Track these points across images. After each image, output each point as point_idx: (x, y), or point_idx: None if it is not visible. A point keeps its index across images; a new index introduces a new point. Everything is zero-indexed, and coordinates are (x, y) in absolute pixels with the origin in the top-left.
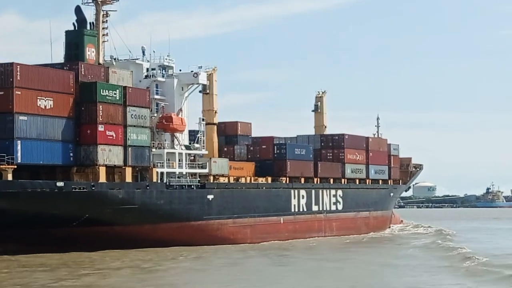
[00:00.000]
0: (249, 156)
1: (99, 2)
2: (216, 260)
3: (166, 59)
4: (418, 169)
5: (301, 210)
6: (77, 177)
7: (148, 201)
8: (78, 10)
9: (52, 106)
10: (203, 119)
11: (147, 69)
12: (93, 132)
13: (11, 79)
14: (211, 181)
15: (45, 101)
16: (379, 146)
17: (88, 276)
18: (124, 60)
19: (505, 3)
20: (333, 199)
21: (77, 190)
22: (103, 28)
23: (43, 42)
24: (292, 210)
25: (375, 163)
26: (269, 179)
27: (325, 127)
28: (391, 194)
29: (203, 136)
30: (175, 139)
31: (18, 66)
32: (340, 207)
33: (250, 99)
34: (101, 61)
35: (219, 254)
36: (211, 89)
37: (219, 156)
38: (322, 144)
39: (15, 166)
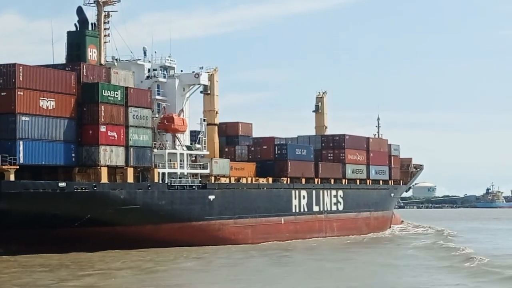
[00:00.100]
0: (250, 157)
1: (101, 3)
2: (217, 261)
3: (168, 59)
4: (418, 169)
5: (302, 210)
6: (79, 177)
7: (150, 202)
8: (80, 11)
9: (54, 107)
10: (204, 120)
11: (149, 70)
12: (95, 132)
13: (13, 80)
14: (212, 181)
15: (47, 101)
16: (379, 147)
17: (89, 276)
18: (126, 60)
19: (505, 3)
20: (334, 200)
21: (79, 190)
22: (104, 29)
23: (43, 42)
24: (293, 210)
25: (375, 164)
26: (270, 179)
27: (326, 127)
28: (392, 194)
29: (204, 137)
30: (177, 140)
31: (20, 67)
32: (341, 207)
33: (250, 99)
34: (102, 62)
35: (220, 255)
36: (212, 90)
37: (220, 156)
38: (323, 144)
39: (17, 167)
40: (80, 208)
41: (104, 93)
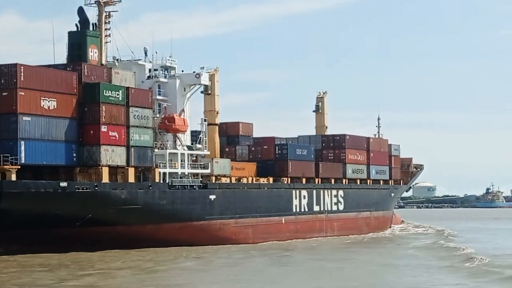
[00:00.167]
0: (251, 157)
1: (102, 3)
2: (217, 260)
3: (168, 59)
4: (418, 169)
5: (302, 210)
6: (80, 177)
7: (151, 201)
8: (80, 11)
9: (55, 107)
10: (205, 120)
11: (150, 70)
12: (96, 132)
13: (14, 80)
14: (213, 181)
15: (49, 101)
16: (380, 147)
17: (89, 276)
18: (127, 61)
19: (505, 3)
20: (334, 199)
21: (80, 190)
22: (105, 29)
23: (43, 42)
24: (294, 210)
25: (376, 164)
26: (271, 179)
27: (326, 127)
28: (392, 194)
29: (205, 137)
30: (177, 140)
31: (22, 67)
32: (341, 207)
33: (250, 99)
34: (103, 62)
35: (220, 254)
36: (212, 90)
37: (221, 156)
38: (323, 144)
39: (19, 167)
40: (81, 208)
41: (105, 93)
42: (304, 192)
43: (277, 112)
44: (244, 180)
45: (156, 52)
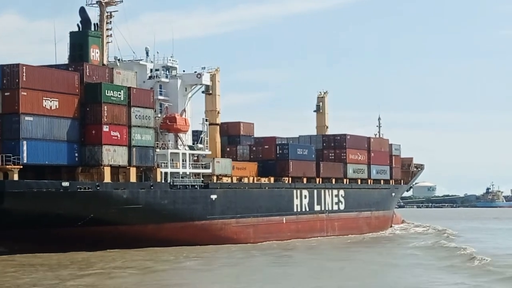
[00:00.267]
0: (252, 156)
1: (103, 4)
2: (218, 260)
3: (170, 59)
4: (419, 169)
5: (303, 210)
6: (82, 177)
7: (152, 201)
8: (82, 11)
9: (57, 107)
10: (206, 120)
11: (151, 70)
12: (98, 132)
13: (17, 80)
14: (214, 181)
15: (51, 101)
16: (380, 146)
17: (89, 276)
18: (128, 61)
19: (505, 3)
20: (335, 199)
21: (82, 190)
22: (107, 29)
23: (43, 42)
24: (295, 210)
25: (376, 163)
26: (272, 179)
27: (327, 127)
28: (393, 194)
29: (206, 137)
30: (179, 140)
31: (24, 67)
32: (342, 207)
33: (250, 99)
34: (105, 62)
35: (221, 254)
36: (214, 90)
37: (222, 156)
38: (324, 144)
39: (21, 166)
40: (83, 207)
41: (107, 93)
42: (305, 192)
43: (277, 112)
44: (245, 180)
45: (158, 52)
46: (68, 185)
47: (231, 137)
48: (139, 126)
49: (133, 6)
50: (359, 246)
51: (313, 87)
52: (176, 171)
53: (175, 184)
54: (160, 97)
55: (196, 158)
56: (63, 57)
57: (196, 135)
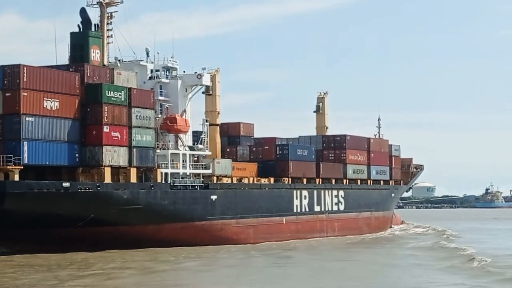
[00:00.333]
0: (252, 157)
1: (104, 4)
2: (218, 261)
3: (170, 60)
4: (419, 169)
5: (303, 210)
6: (82, 177)
7: (153, 202)
8: (83, 12)
9: (58, 107)
10: (206, 120)
11: (151, 71)
12: (98, 133)
13: (17, 81)
14: (215, 181)
15: (51, 102)
16: (380, 147)
17: (89, 276)
18: (129, 61)
19: (505, 3)
20: (335, 200)
21: (82, 190)
22: (107, 30)
23: (43, 42)
24: (295, 210)
25: (376, 164)
26: (272, 179)
27: (327, 127)
28: (392, 194)
29: (207, 137)
30: (179, 140)
31: (25, 68)
32: (342, 207)
33: (250, 99)
34: (105, 63)
35: (221, 254)
36: (214, 90)
37: (222, 156)
38: (324, 145)
39: (22, 167)
40: (84, 208)
41: (108, 93)
42: (305, 193)
43: (277, 112)
44: (245, 181)
45: (158, 53)
46: (68, 185)
47: (231, 137)
48: (139, 127)
49: (133, 7)
50: (359, 246)
51: (313, 87)
52: (177, 171)
53: (175, 184)
54: (160, 98)
55: (196, 158)
56: (63, 57)
57: (196, 135)
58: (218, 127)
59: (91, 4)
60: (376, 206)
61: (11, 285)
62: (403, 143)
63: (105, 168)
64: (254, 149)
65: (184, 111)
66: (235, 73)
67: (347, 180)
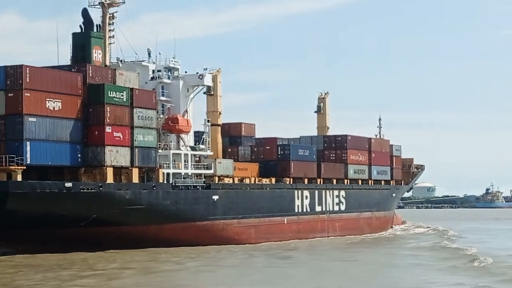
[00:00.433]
0: (253, 157)
1: (106, 5)
2: (220, 260)
3: (172, 60)
4: (419, 169)
5: (304, 210)
6: (84, 177)
7: (155, 202)
8: (85, 12)
9: (60, 108)
10: (208, 120)
11: (153, 71)
12: (100, 133)
13: (20, 81)
14: (216, 181)
15: (54, 102)
16: (381, 147)
17: (90, 276)
18: (130, 62)
19: (505, 3)
20: (336, 200)
21: (85, 190)
22: (109, 30)
23: (43, 42)
24: (296, 210)
25: (377, 164)
26: (273, 179)
27: (328, 128)
28: (393, 194)
29: (208, 137)
30: (181, 140)
31: (28, 68)
32: (343, 207)
33: (250, 99)
34: (107, 63)
35: (223, 254)
36: (215, 91)
37: (223, 157)
38: (325, 145)
39: (25, 167)
40: (86, 208)
41: (110, 94)
42: (306, 193)
43: (277, 112)
44: (247, 181)
45: (160, 53)
46: (71, 185)
47: (233, 137)
48: (141, 127)
49: (134, 7)
50: (360, 246)
51: (313, 87)
52: (178, 171)
53: (177, 184)
54: (162, 98)
55: (198, 158)
56: (63, 57)
57: (198, 136)
58: (219, 127)
59: (93, 5)
60: (377, 206)
61: (12, 286)
62: (404, 143)
63: (107, 168)
64: (255, 149)
65: (186, 111)
66: (235, 73)
67: (348, 180)
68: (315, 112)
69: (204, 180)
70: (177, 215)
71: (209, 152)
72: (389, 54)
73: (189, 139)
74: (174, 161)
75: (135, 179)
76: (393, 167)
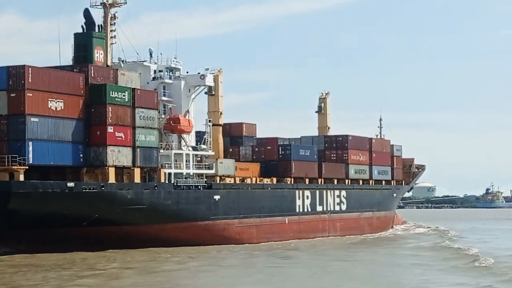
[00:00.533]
0: (254, 157)
1: (107, 5)
2: (220, 260)
3: (173, 61)
4: (420, 169)
5: (305, 210)
6: (86, 177)
7: (156, 202)
8: (86, 13)
9: (62, 108)
10: (209, 121)
11: (155, 71)
12: (102, 133)
13: (22, 81)
14: (218, 181)
15: (56, 102)
16: (382, 147)
17: (91, 276)
18: (132, 62)
19: (505, 3)
20: (337, 200)
21: (87, 190)
22: (111, 31)
23: (43, 42)
24: (297, 210)
25: (378, 164)
26: (274, 179)
27: (329, 128)
28: (394, 194)
29: (210, 137)
30: (182, 140)
31: (30, 69)
32: (344, 207)
33: (250, 99)
34: (109, 63)
35: (224, 254)
36: (216, 91)
37: (225, 157)
38: (326, 145)
39: (27, 167)
40: (88, 208)
41: (112, 94)
42: (307, 193)
43: (278, 112)
44: (248, 181)
45: (161, 54)
46: (73, 185)
47: (234, 137)
48: (143, 127)
49: (134, 7)
50: (361, 246)
51: (314, 87)
52: (180, 171)
53: (178, 184)
54: (163, 98)
55: (199, 158)
56: (64, 57)
57: (199, 136)
58: (220, 128)
59: (95, 5)
60: (378, 206)
61: (11, 285)
62: (404, 143)
63: (109, 168)
64: (256, 149)
65: (187, 111)
66: (235, 73)
67: (349, 180)
68: (316, 112)
69: (205, 180)
70: (179, 215)
71: (210, 152)
72: (389, 54)
73: (190, 139)
74: (176, 161)
75: (137, 179)
76: (394, 167)
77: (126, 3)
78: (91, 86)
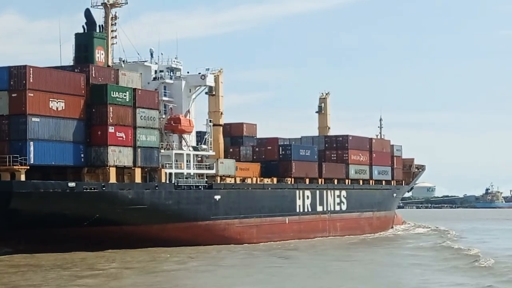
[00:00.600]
0: (255, 157)
1: (108, 5)
2: (221, 260)
3: (174, 61)
4: (420, 169)
5: (306, 210)
6: (87, 177)
7: (157, 202)
8: (87, 13)
9: (63, 108)
10: (210, 121)
11: (155, 71)
12: (103, 133)
13: (24, 81)
14: (218, 181)
15: (57, 103)
16: (382, 147)
17: (91, 276)
18: (133, 62)
19: (505, 3)
20: (337, 200)
21: (88, 190)
22: (111, 31)
23: (43, 42)
24: (297, 210)
25: (378, 164)
26: (275, 179)
27: (329, 128)
28: (394, 194)
29: (210, 137)
30: (183, 140)
31: (31, 69)
32: (344, 207)
33: (250, 99)
34: (110, 63)
35: (224, 254)
36: (217, 91)
37: (225, 157)
38: (326, 145)
39: (28, 167)
40: (89, 207)
41: (113, 94)
42: (307, 193)
43: (278, 112)
44: (249, 181)
45: (162, 54)
46: (74, 185)
47: (234, 138)
48: (144, 127)
49: (134, 7)
50: (361, 246)
51: (314, 88)
52: (181, 171)
53: (179, 184)
54: (164, 98)
55: (200, 158)
56: (64, 58)
57: (200, 136)
58: (221, 128)
59: (95, 5)
60: (378, 206)
61: (11, 285)
62: (404, 143)
63: (110, 168)
64: (257, 149)
65: (188, 111)
66: (235, 73)
67: (349, 180)
68: (316, 112)
69: (206, 180)
70: (179, 215)
71: (211, 152)
72: (389, 54)
73: (191, 139)
74: (177, 161)
75: (138, 179)
76: (394, 167)
77: (126, 3)
78: (92, 86)
